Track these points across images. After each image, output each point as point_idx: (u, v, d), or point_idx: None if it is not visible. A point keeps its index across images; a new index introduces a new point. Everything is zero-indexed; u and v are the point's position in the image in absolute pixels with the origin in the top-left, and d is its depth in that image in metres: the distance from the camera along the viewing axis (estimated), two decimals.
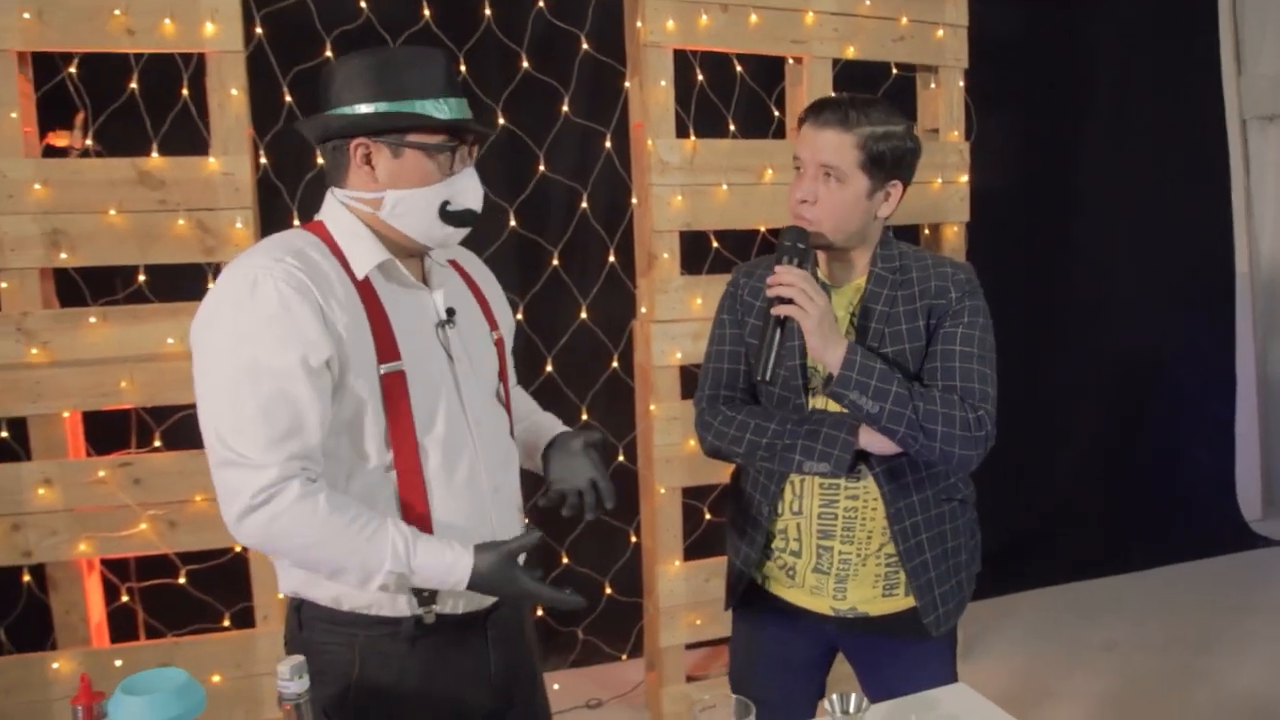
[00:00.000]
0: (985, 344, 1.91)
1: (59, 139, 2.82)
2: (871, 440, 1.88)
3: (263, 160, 3.07)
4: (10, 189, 2.60)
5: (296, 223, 3.08)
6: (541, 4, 3.43)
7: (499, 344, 1.83)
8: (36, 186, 2.61)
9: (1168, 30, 4.68)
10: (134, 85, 2.87)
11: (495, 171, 3.47)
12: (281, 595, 1.70)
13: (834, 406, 1.94)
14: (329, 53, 3.17)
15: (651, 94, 3.09)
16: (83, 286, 2.93)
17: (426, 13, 3.28)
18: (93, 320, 2.69)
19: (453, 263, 1.82)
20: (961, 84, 3.55)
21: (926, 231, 3.61)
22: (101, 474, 2.72)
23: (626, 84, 3.25)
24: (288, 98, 3.14)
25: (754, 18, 3.19)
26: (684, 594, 3.27)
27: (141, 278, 2.94)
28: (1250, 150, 5.23)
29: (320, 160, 3.15)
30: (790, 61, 3.36)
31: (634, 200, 3.26)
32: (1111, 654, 3.88)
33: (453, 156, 1.64)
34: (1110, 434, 4.89)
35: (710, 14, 3.14)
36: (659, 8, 3.06)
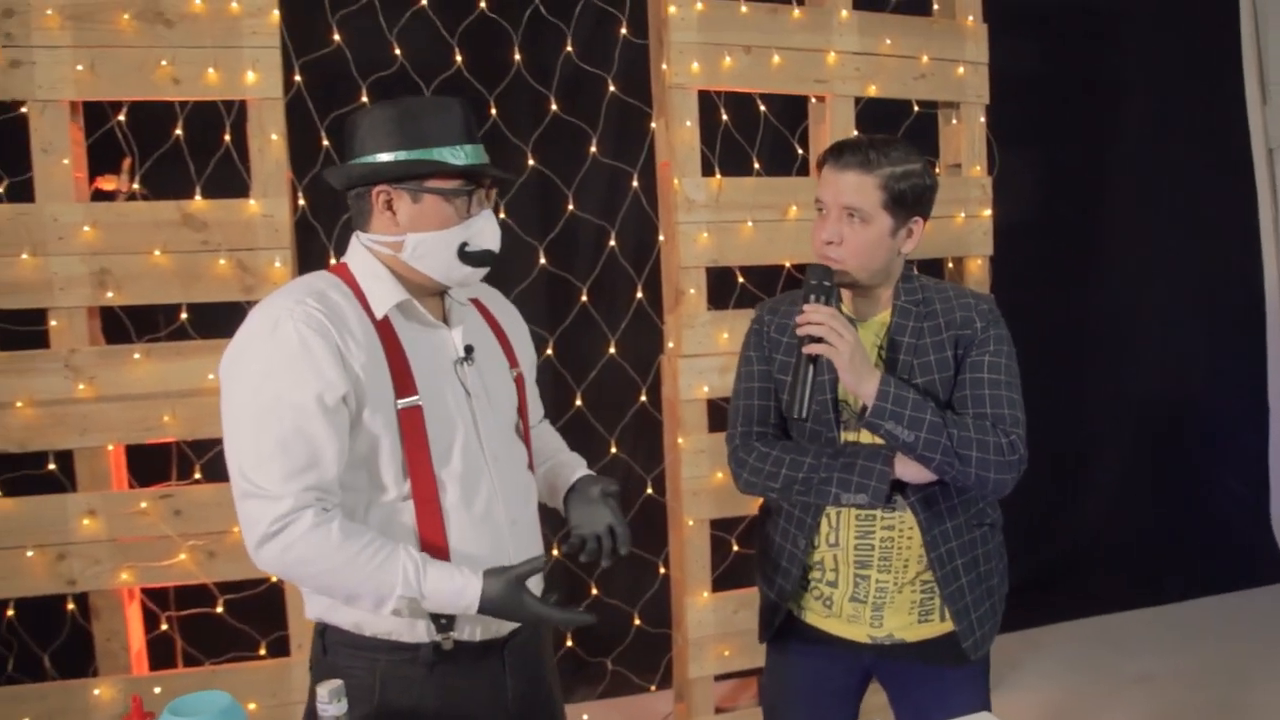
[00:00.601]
0: (1011, 371, 1.96)
1: (107, 183, 2.92)
2: (907, 469, 1.91)
3: (300, 202, 3.16)
4: (61, 231, 2.70)
5: (333, 261, 3.18)
6: (570, 48, 3.51)
7: (518, 380, 1.88)
8: (85, 229, 2.71)
9: (1191, 63, 4.69)
10: (179, 131, 2.98)
11: (525, 211, 3.54)
12: (309, 619, 1.76)
13: (866, 438, 1.98)
14: (365, 98, 3.27)
15: (677, 134, 3.16)
16: (128, 324, 3.02)
17: (459, 58, 3.37)
18: (137, 357, 2.78)
19: (475, 301, 1.89)
20: (983, 119, 3.59)
21: (950, 265, 3.65)
22: (143, 505, 2.79)
23: (653, 124, 3.32)
24: (325, 142, 3.23)
25: (777, 58, 3.26)
26: (713, 625, 3.29)
27: (184, 315, 3.03)
28: (1277, 180, 5.21)
29: None
30: (813, 100, 3.42)
31: (661, 237, 3.32)
32: (1147, 687, 3.83)
33: (470, 200, 1.71)
34: (1141, 465, 4.85)
35: (734, 55, 3.21)
36: (684, 50, 3.14)
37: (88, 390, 2.74)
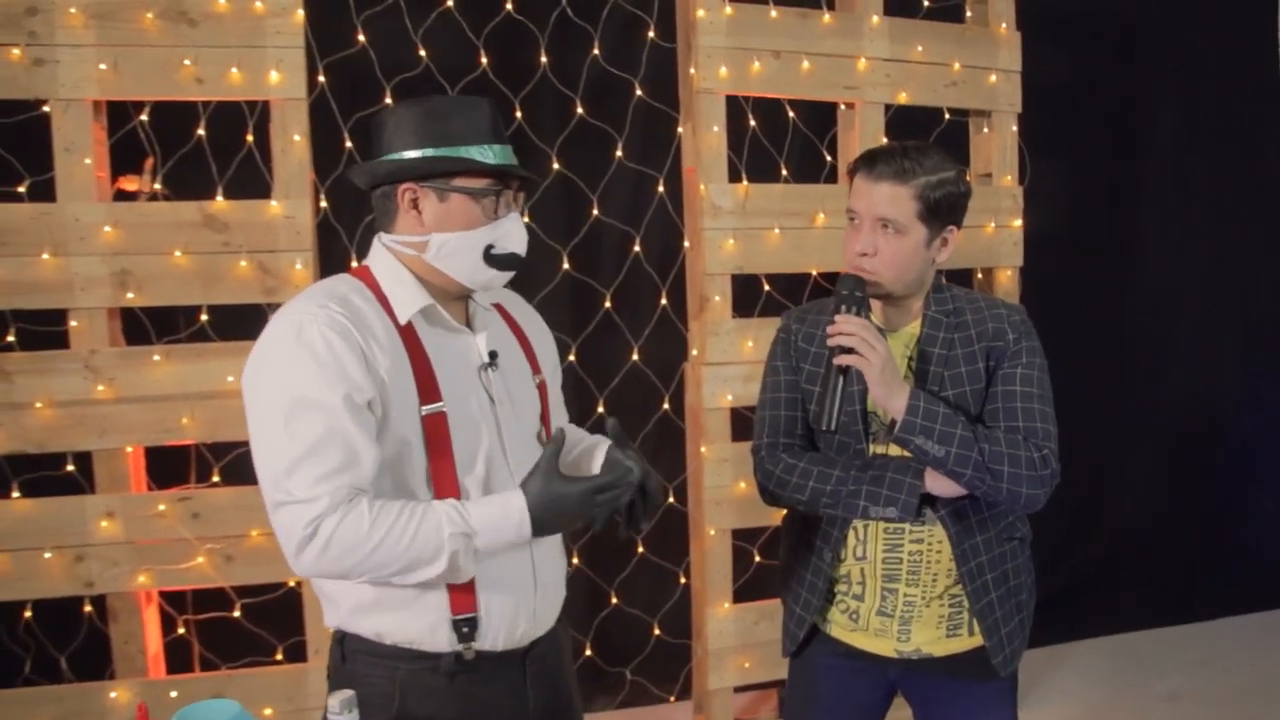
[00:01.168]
0: (1044, 384, 1.93)
1: (129, 183, 2.91)
2: (937, 483, 1.88)
3: (323, 204, 3.14)
4: (82, 231, 2.69)
5: (354, 264, 3.16)
6: (596, 51, 3.49)
7: (541, 387, 1.86)
8: (107, 229, 2.71)
9: (1225, 73, 4.62)
10: (201, 131, 2.96)
11: (549, 215, 3.52)
12: (327, 627, 1.73)
13: (895, 450, 1.95)
14: (389, 99, 3.24)
15: (704, 139, 3.13)
16: (148, 325, 3.01)
17: (484, 60, 3.35)
18: (156, 358, 2.77)
19: (498, 306, 1.86)
20: (1014, 128, 3.55)
21: (980, 275, 3.60)
22: (161, 508, 2.78)
23: (679, 129, 3.29)
24: (348, 143, 3.22)
25: (806, 64, 3.22)
26: (733, 636, 3.25)
27: (204, 317, 3.02)
28: None
29: None
30: (842, 107, 3.38)
31: (686, 244, 3.29)
32: (1176, 705, 3.78)
33: (497, 201, 1.68)
34: (1170, 480, 4.78)
35: (763, 60, 3.17)
36: (712, 54, 3.11)
37: (107, 391, 2.73)
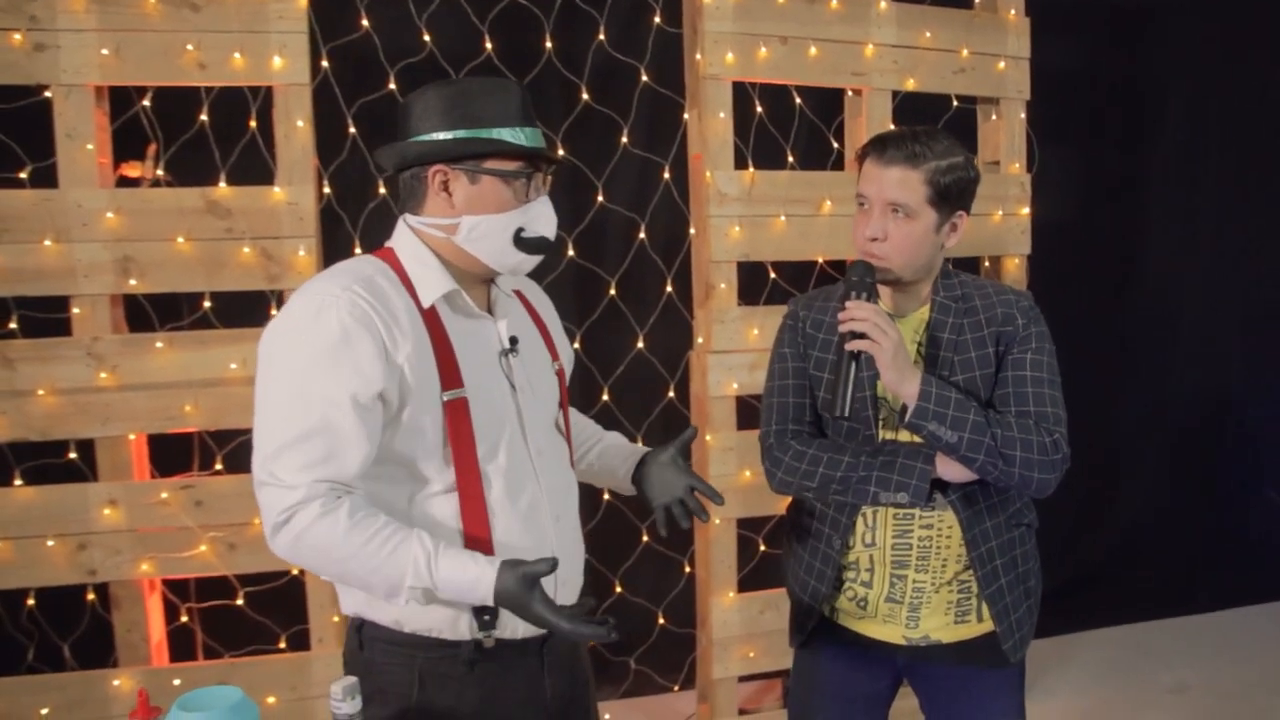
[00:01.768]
0: (1053, 369, 1.93)
1: (131, 169, 2.90)
2: (948, 469, 1.88)
3: (326, 190, 3.13)
4: (85, 218, 2.68)
5: (358, 251, 3.15)
6: (602, 36, 3.46)
7: (560, 374, 1.85)
8: (109, 215, 2.69)
9: (1237, 60, 4.59)
10: (204, 117, 2.94)
11: (554, 201, 3.45)
12: (345, 614, 1.73)
13: (904, 436, 1.94)
14: (393, 85, 3.23)
15: (710, 125, 3.11)
16: (150, 312, 3.00)
17: (489, 45, 3.33)
18: (159, 345, 2.75)
19: (516, 292, 1.85)
20: (1023, 116, 3.52)
21: (987, 264, 3.58)
22: (164, 495, 2.77)
23: (685, 116, 3.27)
24: (352, 129, 3.20)
25: (813, 50, 3.20)
26: (738, 626, 3.24)
27: (207, 304, 3.00)
28: None
29: (383, 190, 3.23)
30: (850, 93, 3.36)
31: (692, 231, 3.27)
32: (1183, 697, 3.77)
33: (528, 184, 1.67)
34: (1177, 471, 4.77)
35: (770, 46, 3.15)
36: (718, 40, 3.08)
37: (110, 379, 2.72)
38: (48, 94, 2.67)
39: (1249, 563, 4.75)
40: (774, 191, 3.19)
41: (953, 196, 1.90)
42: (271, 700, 2.85)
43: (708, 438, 3.18)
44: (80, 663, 3.05)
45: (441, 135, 1.62)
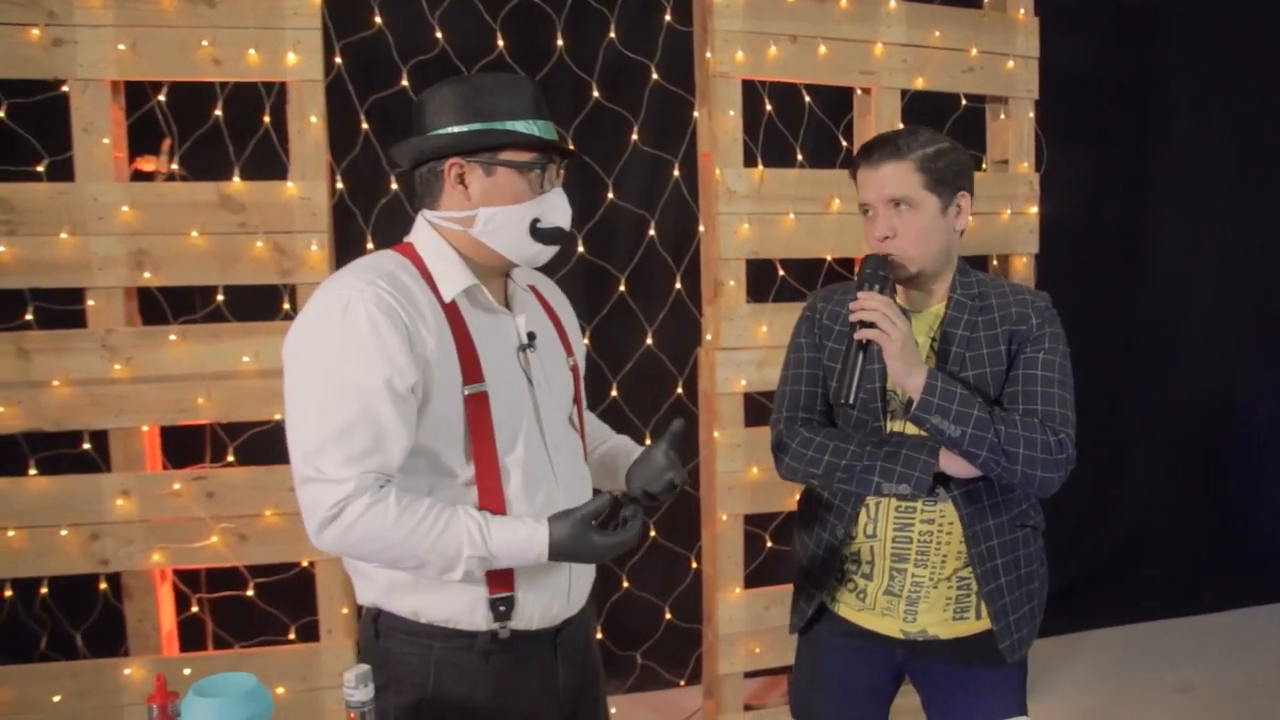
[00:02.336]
0: (1064, 370, 1.93)
1: (146, 164, 2.92)
2: (951, 463, 1.89)
3: (339, 185, 3.15)
4: (100, 211, 2.70)
5: (371, 246, 3.17)
6: (612, 34, 3.48)
7: (574, 370, 1.87)
8: (124, 209, 2.71)
9: (1245, 59, 4.59)
10: (218, 112, 2.97)
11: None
12: (361, 604, 1.75)
13: (912, 429, 1.95)
14: (405, 82, 3.25)
15: (720, 124, 3.12)
16: (164, 305, 3.02)
17: (500, 43, 3.35)
18: (173, 338, 2.78)
19: (532, 288, 1.87)
20: (1031, 115, 3.53)
21: (995, 263, 3.58)
22: (176, 487, 2.80)
23: (695, 114, 3.28)
24: (364, 125, 3.22)
25: (823, 49, 3.21)
26: (744, 622, 3.26)
27: (220, 297, 3.03)
28: None
29: (395, 186, 3.25)
30: (859, 92, 3.37)
31: (701, 228, 3.29)
32: (1188, 697, 3.77)
33: (543, 175, 1.69)
34: (1182, 471, 4.77)
35: (779, 45, 3.16)
36: (728, 39, 3.10)
37: (124, 370, 2.74)
38: (65, 89, 2.70)
39: (1254, 563, 4.75)
40: (783, 189, 3.20)
41: (949, 178, 1.92)
42: (281, 691, 2.87)
43: (715, 434, 3.19)
44: (92, 651, 3.09)
45: (456, 129, 1.64)
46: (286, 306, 3.02)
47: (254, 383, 2.80)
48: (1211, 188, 4.68)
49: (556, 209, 1.72)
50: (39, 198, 2.69)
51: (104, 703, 2.81)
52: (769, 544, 3.59)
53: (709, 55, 3.12)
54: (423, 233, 1.72)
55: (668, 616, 3.72)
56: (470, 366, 1.63)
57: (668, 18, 3.44)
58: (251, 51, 2.76)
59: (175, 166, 2.97)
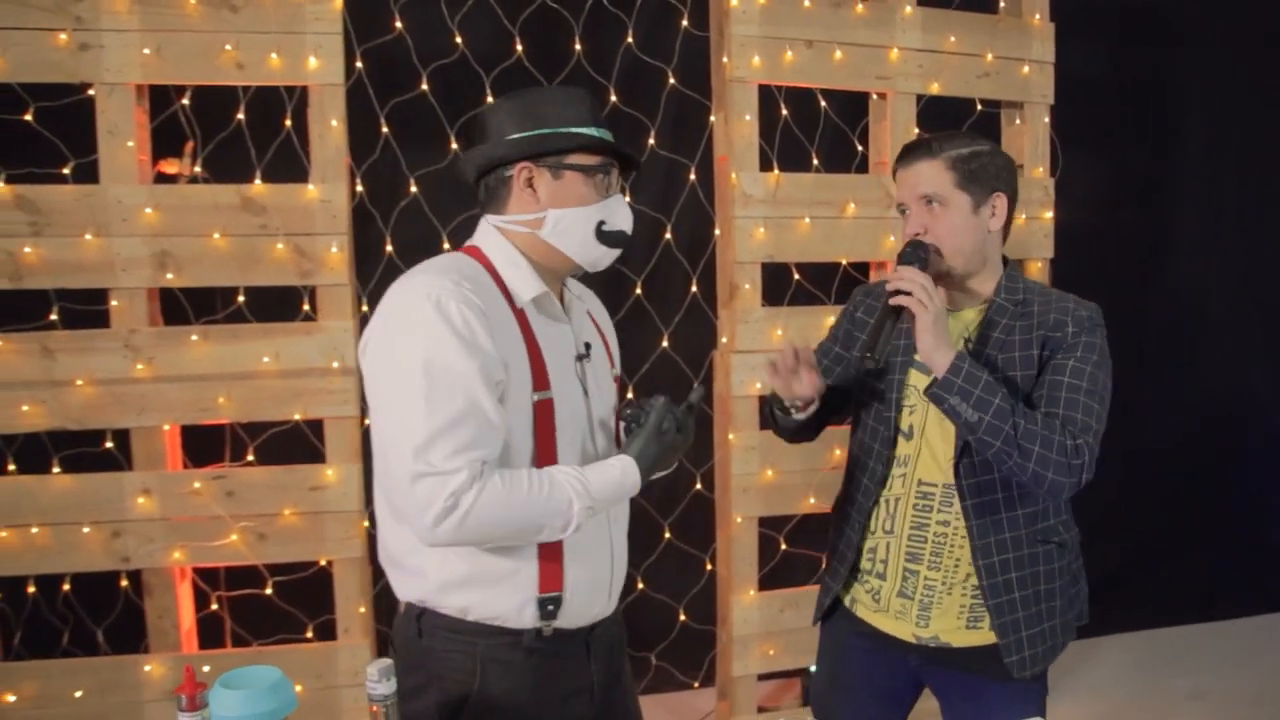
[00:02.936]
0: (1095, 380, 1.89)
1: (170, 166, 2.96)
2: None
3: (359, 188, 3.18)
4: (124, 213, 2.74)
5: (389, 249, 3.20)
6: (630, 39, 3.50)
7: (617, 380, 1.91)
8: (147, 211, 2.75)
9: (1260, 64, 4.58)
10: (240, 116, 3.00)
11: None
12: (403, 600, 1.77)
13: (928, 421, 1.97)
14: (425, 86, 3.28)
15: (736, 128, 3.14)
16: (186, 306, 3.06)
17: (519, 48, 3.37)
18: (194, 338, 2.81)
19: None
20: (1047, 120, 3.54)
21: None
22: (197, 485, 2.83)
23: (712, 118, 3.30)
24: (384, 129, 3.25)
25: (839, 54, 3.23)
26: (758, 624, 3.27)
27: (241, 298, 3.06)
28: None
29: (414, 189, 3.28)
30: (874, 97, 3.38)
31: (717, 232, 3.31)
32: (1202, 704, 3.76)
33: (607, 179, 1.73)
34: (1198, 477, 4.74)
35: (795, 50, 3.18)
36: (745, 44, 3.12)
37: (146, 370, 2.78)
38: (91, 92, 2.73)
39: (1269, 569, 4.72)
40: (798, 193, 3.22)
41: (983, 178, 1.93)
42: (298, 689, 2.86)
43: (731, 436, 3.21)
44: (113, 648, 3.11)
45: (524, 134, 1.69)
46: (306, 308, 3.04)
47: (274, 383, 2.83)
48: (1226, 192, 4.68)
49: (620, 212, 1.77)
50: (64, 199, 2.72)
51: (124, 699, 2.83)
52: (783, 546, 3.60)
53: (725, 60, 3.14)
54: (491, 239, 1.75)
55: (682, 618, 3.73)
56: (539, 373, 1.67)
57: (685, 23, 3.46)
58: (274, 56, 2.79)
59: (198, 169, 3.00)
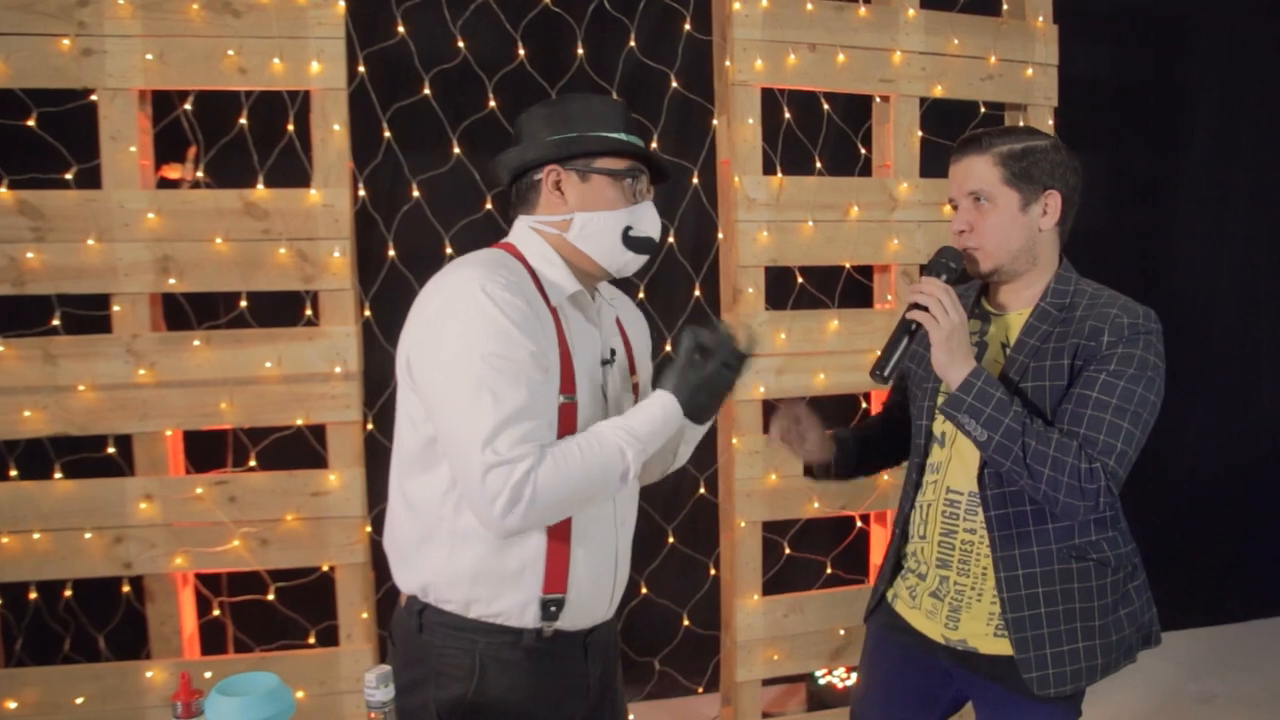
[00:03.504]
0: (1129, 396, 1.78)
1: (172, 171, 2.96)
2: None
3: (361, 193, 3.17)
4: (126, 218, 2.74)
5: (392, 253, 3.20)
6: (632, 43, 3.50)
7: (635, 388, 1.89)
8: (150, 216, 2.75)
9: (1264, 64, 4.57)
10: (243, 121, 3.00)
11: None
12: (404, 592, 1.76)
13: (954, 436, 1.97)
14: (427, 90, 3.28)
15: (739, 132, 3.14)
16: (189, 311, 3.06)
17: (521, 52, 3.37)
18: (196, 343, 2.80)
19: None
20: (1051, 122, 3.52)
21: None
22: (199, 491, 2.82)
23: (715, 122, 3.30)
24: (386, 133, 3.25)
25: (842, 57, 3.22)
26: (762, 629, 3.26)
27: (243, 304, 3.06)
28: None
29: (416, 194, 3.28)
30: (877, 100, 3.38)
31: (720, 236, 3.30)
32: (1210, 707, 3.75)
33: (635, 185, 1.73)
34: (1208, 478, 4.73)
35: (798, 53, 3.17)
36: (747, 47, 3.11)
37: (148, 375, 2.77)
38: (94, 98, 2.73)
39: (1279, 572, 4.71)
40: (802, 197, 3.21)
41: (1034, 175, 1.89)
42: (300, 695, 2.89)
43: (734, 440, 3.20)
44: (115, 654, 3.11)
45: (553, 137, 1.69)
46: (309, 313, 3.04)
47: (276, 388, 2.82)
48: (1232, 193, 4.66)
49: (647, 218, 1.76)
50: (67, 205, 2.72)
51: (126, 705, 2.83)
52: (787, 551, 3.59)
53: (728, 64, 3.13)
54: (526, 237, 1.75)
55: (686, 623, 3.72)
56: (567, 375, 1.67)
57: (687, 26, 3.46)
58: (276, 61, 2.79)
59: (200, 174, 3.00)
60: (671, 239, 3.63)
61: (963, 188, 1.92)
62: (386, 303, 3.10)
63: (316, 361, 2.84)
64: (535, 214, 1.74)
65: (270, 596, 3.16)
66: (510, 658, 1.70)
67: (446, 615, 1.70)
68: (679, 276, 3.65)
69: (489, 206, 3.34)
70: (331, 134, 2.83)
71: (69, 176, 2.88)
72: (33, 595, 3.05)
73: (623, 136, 1.71)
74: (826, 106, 3.50)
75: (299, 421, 2.87)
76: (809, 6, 3.18)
